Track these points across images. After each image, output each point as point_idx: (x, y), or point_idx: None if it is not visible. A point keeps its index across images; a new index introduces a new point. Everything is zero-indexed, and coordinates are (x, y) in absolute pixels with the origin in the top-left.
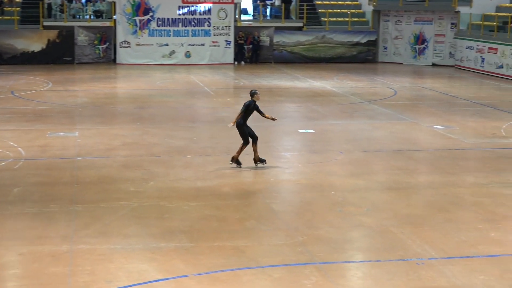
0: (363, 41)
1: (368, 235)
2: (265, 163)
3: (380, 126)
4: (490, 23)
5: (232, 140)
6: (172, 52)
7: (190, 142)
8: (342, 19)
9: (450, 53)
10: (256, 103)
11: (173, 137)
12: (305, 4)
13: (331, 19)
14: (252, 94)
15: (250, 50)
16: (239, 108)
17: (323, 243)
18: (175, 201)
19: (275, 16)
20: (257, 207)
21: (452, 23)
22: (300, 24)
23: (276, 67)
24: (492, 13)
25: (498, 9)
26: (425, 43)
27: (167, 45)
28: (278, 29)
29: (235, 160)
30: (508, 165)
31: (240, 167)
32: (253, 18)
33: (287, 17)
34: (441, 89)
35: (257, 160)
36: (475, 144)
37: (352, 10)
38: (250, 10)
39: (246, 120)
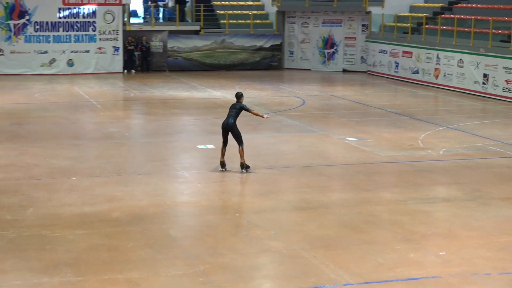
0: (267, 45)
1: (277, 260)
2: (248, 171)
3: (288, 139)
4: (404, 24)
5: (123, 159)
6: (53, 61)
7: (75, 162)
8: (244, 21)
9: (362, 57)
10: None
11: (55, 157)
12: (201, 5)
13: (231, 21)
14: (239, 97)
15: (140, 57)
16: (129, 122)
17: (227, 271)
18: (58, 229)
19: (168, 18)
20: (152, 233)
21: (363, 25)
22: (197, 28)
23: (171, 76)
24: (406, 14)
25: (412, 9)
26: (335, 47)
27: (46, 52)
28: (173, 33)
29: (245, 166)
30: (426, 179)
31: (250, 170)
32: (144, 21)
33: (182, 19)
34: (353, 97)
35: (224, 164)
36: (391, 157)
37: (254, 12)
38: (141, 12)
39: (235, 121)
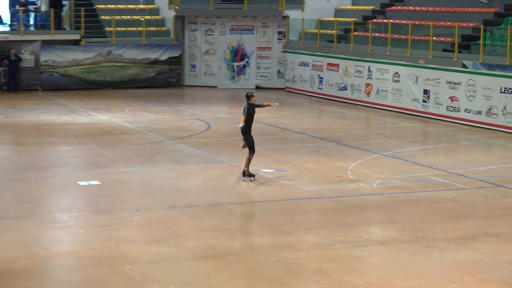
0: (164, 58)
1: None
2: (254, 178)
3: (190, 172)
4: (329, 31)
5: None
6: None
7: None
8: (134, 28)
9: (279, 71)
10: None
11: None
12: (82, 9)
13: (118, 29)
14: (249, 97)
15: (6, 73)
16: None
17: None
18: None
19: (41, 26)
20: None
21: (279, 32)
22: (77, 37)
23: (45, 96)
24: (331, 18)
25: (338, 13)
26: (246, 60)
27: None
28: (47, 44)
29: (247, 174)
30: (358, 218)
31: (254, 179)
32: (11, 29)
33: (58, 27)
34: (268, 120)
35: (247, 173)
36: (316, 192)
37: (147, 17)
38: (6, 18)
39: (250, 126)
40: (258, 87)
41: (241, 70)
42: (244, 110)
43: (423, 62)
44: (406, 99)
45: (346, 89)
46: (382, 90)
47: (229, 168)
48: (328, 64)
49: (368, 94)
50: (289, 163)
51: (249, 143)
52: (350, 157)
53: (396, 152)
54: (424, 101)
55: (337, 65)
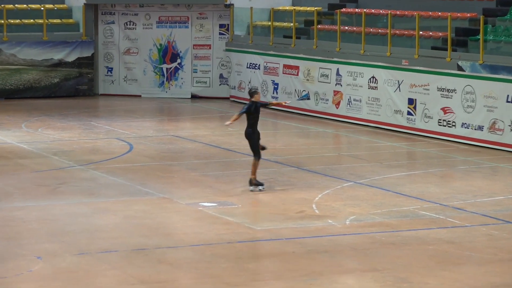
0: (71, 59)
1: None
2: (263, 188)
3: (107, 207)
4: (285, 24)
5: None
6: None
7: None
8: (32, 21)
9: (221, 76)
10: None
11: None
12: None
13: (11, 21)
14: (252, 93)
15: None
16: None
17: None
18: None
19: None
20: None
21: (221, 25)
22: None
23: None
24: (287, 8)
25: (297, 0)
26: (178, 61)
27: None
28: None
29: (254, 182)
30: (325, 265)
31: (263, 188)
32: None
33: None
34: (208, 139)
35: (254, 182)
36: (271, 232)
37: (49, 6)
38: None
39: (255, 127)
40: (194, 96)
41: (172, 75)
42: (263, 104)
43: (407, 64)
44: (386, 111)
45: (308, 99)
46: (355, 100)
47: (158, 202)
48: (285, 66)
49: (337, 104)
50: (237, 194)
51: (253, 147)
52: (315, 186)
53: (374, 179)
54: (409, 113)
55: (297, 68)
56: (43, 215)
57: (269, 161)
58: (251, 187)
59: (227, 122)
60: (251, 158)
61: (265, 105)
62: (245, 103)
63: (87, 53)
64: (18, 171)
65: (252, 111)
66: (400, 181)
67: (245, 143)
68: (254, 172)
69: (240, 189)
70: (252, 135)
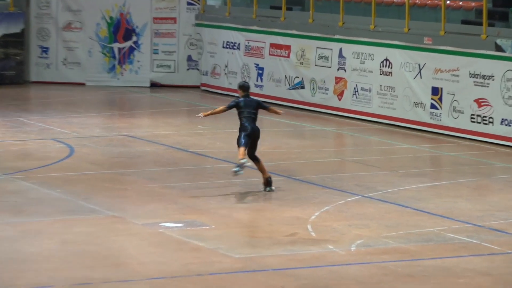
0: None
1: None
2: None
3: (40, 228)
4: None
5: None
6: None
7: None
8: None
9: (190, 58)
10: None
11: None
12: None
13: None
14: (248, 88)
15: None
16: None
17: None
18: None
19: None
20: None
21: None
22: None
23: None
24: None
25: None
26: (134, 38)
27: None
28: None
29: (270, 182)
30: None
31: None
32: None
33: None
34: (174, 140)
35: (266, 183)
36: (254, 261)
37: None
38: None
39: (246, 124)
40: (154, 85)
41: (126, 57)
42: (261, 103)
43: (430, 42)
44: (403, 103)
45: (303, 87)
46: (362, 89)
47: (107, 222)
48: (273, 45)
49: (340, 95)
50: (208, 212)
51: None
52: (311, 202)
53: (387, 192)
54: (433, 106)
55: (288, 48)
56: None
57: (251, 168)
58: (268, 188)
59: (199, 114)
60: (227, 165)
61: (265, 107)
62: (218, 93)
63: (14, 28)
64: None
65: (241, 107)
66: (422, 195)
67: (220, 145)
68: (263, 169)
69: (213, 205)
70: (241, 130)
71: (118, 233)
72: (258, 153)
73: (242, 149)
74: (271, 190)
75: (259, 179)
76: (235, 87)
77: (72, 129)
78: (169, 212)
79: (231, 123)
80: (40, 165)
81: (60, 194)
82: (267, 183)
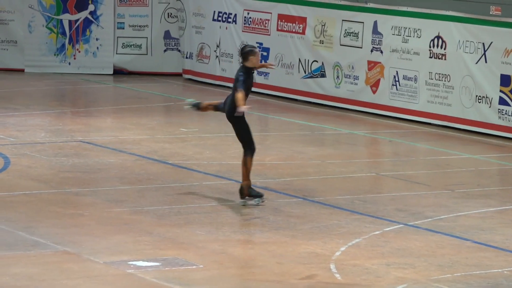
0: None
1: None
2: (261, 200)
3: None
4: None
5: None
6: None
7: None
8: None
9: (168, 35)
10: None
11: None
12: None
13: None
14: (245, 54)
15: None
16: None
17: None
18: None
19: None
20: None
21: None
22: None
23: None
24: None
25: None
26: (92, 8)
27: None
28: None
29: (247, 191)
30: None
31: (262, 201)
32: None
33: None
34: (147, 147)
35: (246, 192)
36: None
37: None
38: None
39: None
40: (119, 72)
41: (80, 34)
42: (237, 80)
43: (499, 12)
44: (462, 97)
45: (323, 75)
46: (405, 78)
47: (56, 259)
48: (282, 17)
49: (374, 86)
50: (195, 246)
51: (243, 137)
52: (336, 232)
53: (440, 219)
54: (502, 101)
55: (302, 20)
56: None
57: (253, 186)
58: (244, 200)
59: (242, 108)
60: (220, 182)
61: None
62: (205, 83)
63: None
64: None
65: (249, 84)
66: (487, 223)
67: (209, 153)
68: (247, 176)
69: (201, 236)
70: (236, 118)
71: (71, 275)
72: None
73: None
74: (245, 204)
75: (265, 201)
76: (230, 74)
77: (7, 132)
78: (141, 247)
79: (225, 125)
80: None
81: None
82: (242, 192)
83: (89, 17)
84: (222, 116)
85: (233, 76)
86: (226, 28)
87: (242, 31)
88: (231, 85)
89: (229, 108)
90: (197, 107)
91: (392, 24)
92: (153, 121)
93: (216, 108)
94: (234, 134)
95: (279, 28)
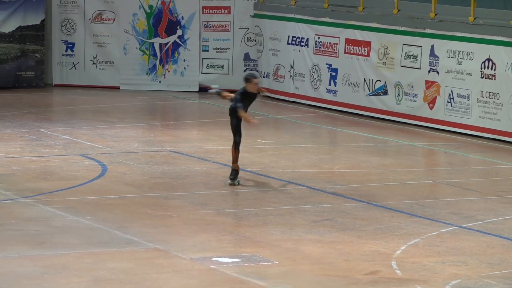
0: (9, 29)
1: None
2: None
3: (66, 263)
4: None
5: None
6: None
7: None
8: None
9: (247, 57)
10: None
11: None
12: None
13: None
14: (244, 80)
15: None
16: None
17: None
18: None
19: None
20: None
21: None
22: None
23: None
24: None
25: None
26: (179, 32)
27: None
28: None
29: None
30: None
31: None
32: None
33: None
34: (229, 157)
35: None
36: None
37: None
38: None
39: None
40: (204, 89)
41: (170, 55)
42: (236, 99)
43: None
44: (510, 114)
45: (385, 93)
46: (459, 96)
47: (147, 256)
48: (349, 41)
49: (431, 103)
50: (270, 244)
51: (233, 128)
52: (396, 233)
53: (490, 222)
54: None
55: (367, 44)
56: None
57: (322, 191)
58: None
59: (254, 121)
60: (294, 187)
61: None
62: (281, 100)
63: (33, 19)
64: None
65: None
66: None
67: (284, 162)
68: (235, 161)
69: (276, 236)
70: (233, 114)
71: (161, 270)
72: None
73: None
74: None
75: (333, 205)
76: (303, 92)
77: (105, 143)
78: (223, 245)
79: (298, 137)
80: (65, 186)
81: (91, 222)
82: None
83: (178, 40)
84: (295, 129)
85: (305, 93)
86: (299, 51)
87: (313, 53)
88: (303, 101)
89: (233, 105)
90: (219, 94)
91: (447, 48)
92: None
93: (231, 100)
94: (305, 145)
95: (346, 51)
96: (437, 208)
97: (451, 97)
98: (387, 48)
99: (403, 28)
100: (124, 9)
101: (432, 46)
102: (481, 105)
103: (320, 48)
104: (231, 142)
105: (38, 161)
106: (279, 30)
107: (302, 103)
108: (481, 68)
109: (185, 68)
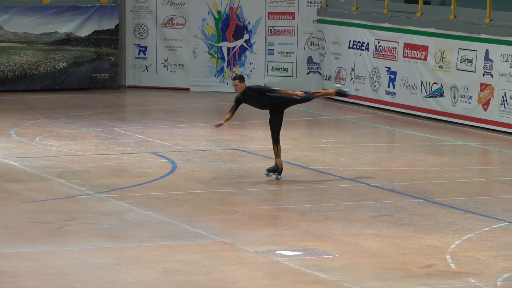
0: (84, 33)
1: None
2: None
3: (138, 255)
4: None
5: None
6: None
7: None
8: None
9: (310, 60)
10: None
11: None
12: None
13: None
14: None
15: None
16: None
17: None
18: None
19: None
20: None
21: None
22: None
23: None
24: None
25: None
26: (246, 37)
27: None
28: None
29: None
30: None
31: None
32: None
33: None
34: (292, 155)
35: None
36: None
37: None
38: None
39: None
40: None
41: (237, 58)
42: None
43: None
44: None
45: (442, 95)
46: None
47: (214, 249)
48: (407, 46)
49: (485, 104)
50: (331, 238)
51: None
52: (451, 228)
53: None
54: None
55: (425, 49)
56: (42, 266)
57: (381, 189)
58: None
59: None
60: (353, 184)
61: (270, 90)
62: (342, 101)
63: (108, 24)
64: (5, 200)
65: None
66: None
67: (344, 161)
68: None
69: (336, 230)
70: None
71: (227, 262)
72: (390, 170)
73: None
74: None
75: (391, 201)
76: (363, 94)
77: (175, 141)
78: (286, 239)
79: (358, 136)
80: (137, 182)
81: (161, 216)
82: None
83: (244, 44)
84: (355, 129)
85: (365, 95)
86: (360, 54)
87: (373, 57)
88: (364, 103)
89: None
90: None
91: (501, 52)
92: (297, 133)
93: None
94: (365, 144)
95: (404, 54)
96: (490, 205)
97: (504, 99)
98: (443, 52)
99: (459, 33)
100: (194, 15)
101: (487, 51)
102: None
103: (379, 52)
104: (293, 141)
105: (112, 159)
106: (340, 34)
107: (362, 105)
108: None
109: (251, 70)
